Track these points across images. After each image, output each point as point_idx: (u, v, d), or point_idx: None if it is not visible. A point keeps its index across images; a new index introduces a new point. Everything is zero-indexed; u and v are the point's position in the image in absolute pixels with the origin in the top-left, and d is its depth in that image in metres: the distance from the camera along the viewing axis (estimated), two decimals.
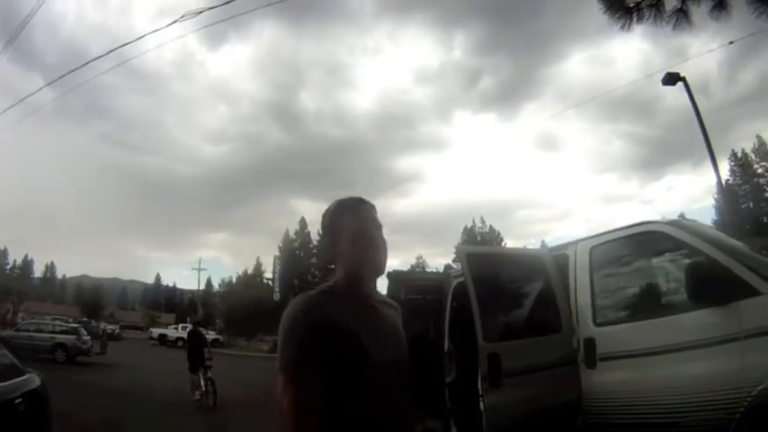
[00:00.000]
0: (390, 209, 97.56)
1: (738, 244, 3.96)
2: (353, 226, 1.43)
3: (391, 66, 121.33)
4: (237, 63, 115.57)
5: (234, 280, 55.46)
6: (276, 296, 43.57)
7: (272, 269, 48.08)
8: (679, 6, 6.35)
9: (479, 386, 3.66)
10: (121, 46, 9.82)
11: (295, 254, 66.23)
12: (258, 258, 67.89)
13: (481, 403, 3.59)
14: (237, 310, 37.71)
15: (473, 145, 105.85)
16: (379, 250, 1.44)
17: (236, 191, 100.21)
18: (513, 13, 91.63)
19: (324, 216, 1.51)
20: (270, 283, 47.42)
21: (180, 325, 39.95)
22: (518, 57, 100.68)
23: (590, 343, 3.79)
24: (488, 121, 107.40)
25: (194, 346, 10.24)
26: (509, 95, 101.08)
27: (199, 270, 62.89)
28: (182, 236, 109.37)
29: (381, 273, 1.48)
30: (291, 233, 69.95)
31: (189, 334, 11.04)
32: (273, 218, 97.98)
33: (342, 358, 1.27)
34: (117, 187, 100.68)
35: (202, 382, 9.47)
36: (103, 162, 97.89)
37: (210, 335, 38.19)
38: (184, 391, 9.96)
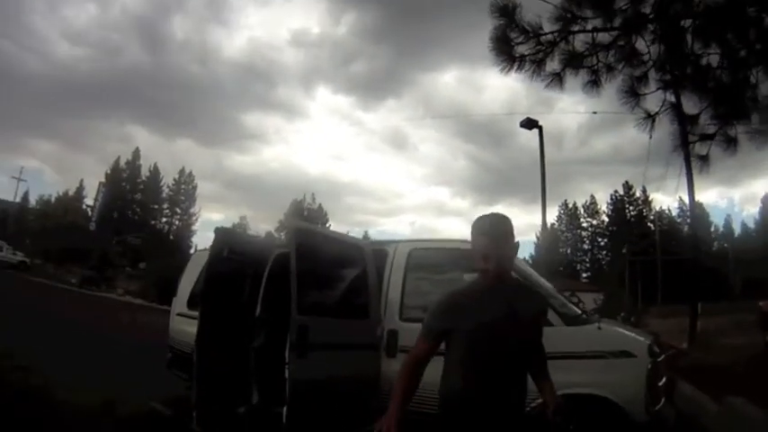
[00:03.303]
0: (227, 162, 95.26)
1: (544, 282, 4.45)
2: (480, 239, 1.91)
3: (273, 19, 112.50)
4: None
5: (53, 200, 47.87)
6: (92, 226, 38.91)
7: (94, 196, 42.58)
8: (558, 71, 6.99)
9: (286, 354, 3.67)
10: None
11: (121, 185, 60.05)
12: (82, 181, 61.57)
13: (286, 371, 3.60)
14: (51, 234, 32.67)
15: (325, 122, 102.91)
16: (494, 252, 1.87)
17: (77, 99, 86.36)
18: (411, 13, 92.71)
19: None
20: (90, 211, 42.02)
21: None
22: (398, 53, 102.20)
23: (393, 334, 4.04)
24: (347, 103, 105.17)
25: None
26: (375, 86, 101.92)
27: (18, 180, 53.54)
28: (8, 135, 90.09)
29: (500, 269, 1.91)
30: (122, 162, 63.50)
31: None
32: (107, 141, 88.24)
33: (460, 329, 1.92)
34: None
35: None
36: None
37: (18, 255, 32.97)
38: None
